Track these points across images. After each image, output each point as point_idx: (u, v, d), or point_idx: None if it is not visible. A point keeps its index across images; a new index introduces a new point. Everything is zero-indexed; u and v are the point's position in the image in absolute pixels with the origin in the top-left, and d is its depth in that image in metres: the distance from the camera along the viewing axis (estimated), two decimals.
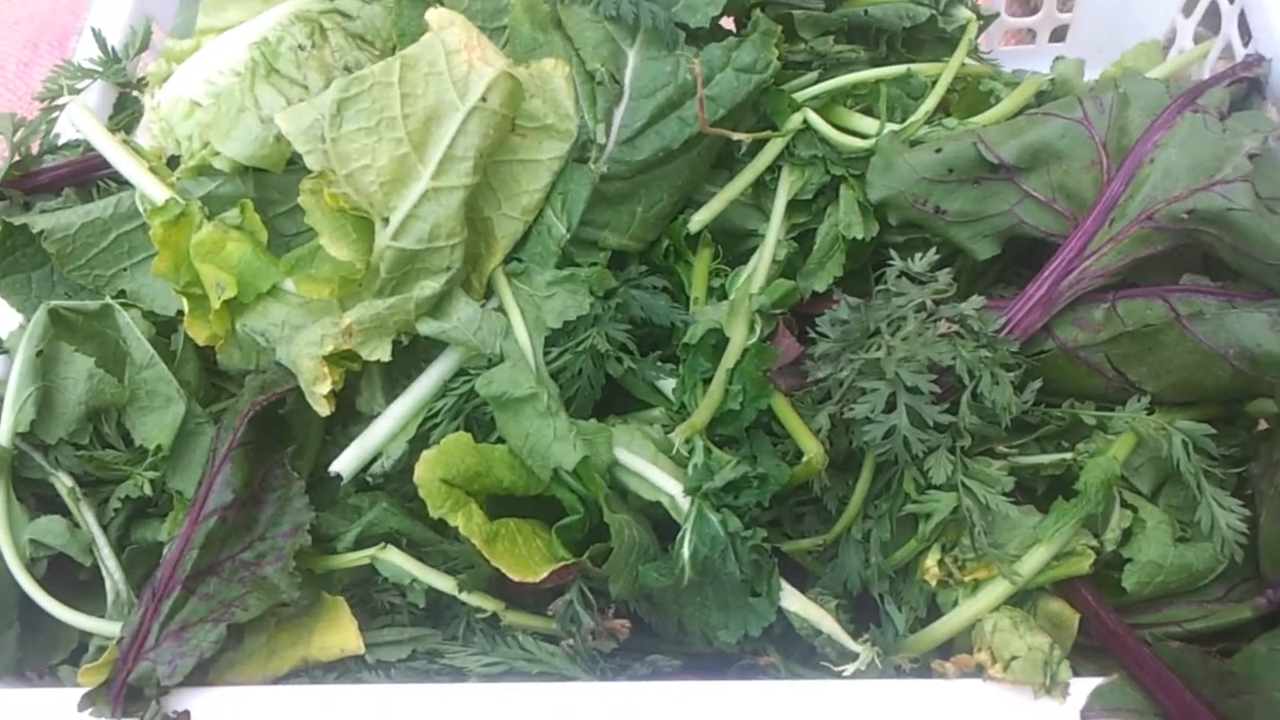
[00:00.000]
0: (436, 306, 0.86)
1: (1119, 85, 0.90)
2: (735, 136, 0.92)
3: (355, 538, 0.88)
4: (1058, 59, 1.08)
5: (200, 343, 0.92)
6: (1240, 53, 1.02)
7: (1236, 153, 0.83)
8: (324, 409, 0.85)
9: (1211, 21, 1.13)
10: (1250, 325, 0.82)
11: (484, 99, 0.83)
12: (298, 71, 0.93)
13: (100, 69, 1.09)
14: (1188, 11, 1.18)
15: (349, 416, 0.93)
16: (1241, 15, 1.04)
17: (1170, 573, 0.81)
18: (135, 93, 1.12)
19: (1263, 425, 0.90)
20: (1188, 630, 0.81)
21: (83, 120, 0.96)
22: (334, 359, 0.85)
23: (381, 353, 0.85)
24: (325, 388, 0.84)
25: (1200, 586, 0.83)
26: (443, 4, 0.93)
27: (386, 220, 0.83)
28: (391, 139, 0.81)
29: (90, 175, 1.02)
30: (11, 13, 1.51)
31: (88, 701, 0.82)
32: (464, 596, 0.85)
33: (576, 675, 0.84)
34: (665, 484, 0.84)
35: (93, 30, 1.11)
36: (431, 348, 0.90)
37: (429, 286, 0.85)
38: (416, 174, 0.82)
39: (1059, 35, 1.31)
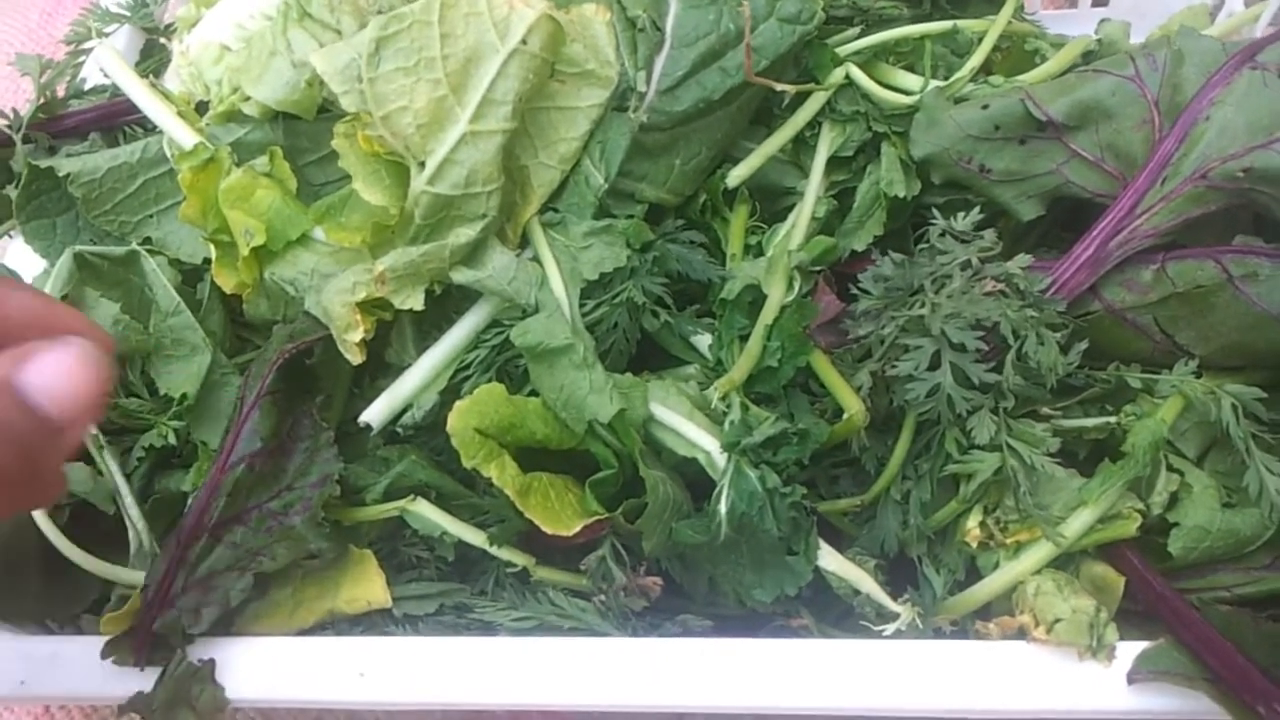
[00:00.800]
0: (471, 255, 0.84)
1: (1173, 42, 0.88)
2: (779, 87, 0.90)
3: (384, 490, 0.87)
4: (1103, 21, 1.06)
5: (228, 291, 0.91)
6: None
7: None
8: (356, 357, 0.83)
9: None
10: None
11: (524, 41, 0.81)
12: (331, 15, 0.91)
13: (128, 14, 1.07)
14: None
15: (378, 368, 0.91)
16: None
17: (1217, 538, 0.79)
18: (162, 39, 1.10)
19: None
20: (1236, 595, 0.80)
21: (111, 63, 0.94)
22: (366, 307, 0.84)
23: (414, 301, 0.84)
24: (357, 335, 0.82)
25: (1247, 553, 0.81)
26: None
27: (423, 164, 0.81)
28: (430, 80, 0.79)
29: (117, 120, 1.00)
30: None
31: (111, 650, 0.81)
32: (494, 551, 0.84)
33: (608, 631, 0.82)
34: (701, 440, 0.83)
35: None
36: (463, 299, 0.89)
37: (464, 234, 0.83)
38: (454, 117, 0.80)
39: (1101, 0, 1.29)
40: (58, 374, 0.52)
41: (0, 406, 0.50)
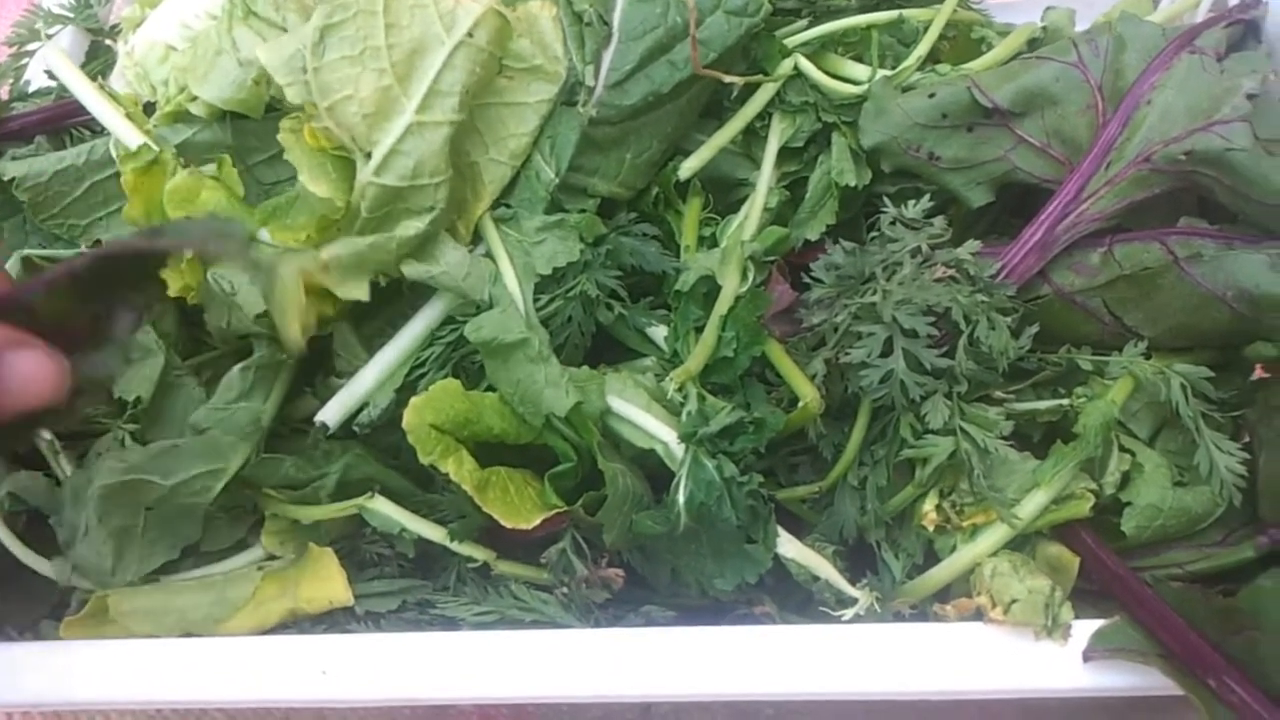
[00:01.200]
0: (421, 249, 0.84)
1: (1114, 28, 0.89)
2: (727, 79, 0.90)
3: (335, 485, 0.86)
4: (1049, 9, 1.07)
5: (172, 293, 0.89)
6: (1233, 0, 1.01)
7: (1235, 93, 0.82)
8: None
9: None
10: (1249, 266, 0.81)
11: (470, 34, 0.81)
12: (276, 13, 0.90)
13: (71, 15, 1.06)
14: None
15: (330, 368, 0.91)
16: None
17: (1169, 516, 0.80)
18: (108, 40, 1.09)
19: (1259, 373, 0.90)
20: (1189, 572, 0.81)
21: (58, 63, 0.93)
22: (309, 297, 0.83)
23: (359, 292, 0.83)
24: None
25: (1199, 531, 0.82)
26: None
27: (369, 156, 0.80)
28: (375, 69, 0.78)
29: (63, 123, 0.99)
30: None
31: None
32: (455, 546, 0.84)
33: (570, 624, 0.83)
34: (659, 431, 0.83)
35: None
36: (417, 297, 0.89)
37: (412, 226, 0.82)
38: (400, 107, 0.80)
39: None
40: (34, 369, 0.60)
41: None
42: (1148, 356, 0.84)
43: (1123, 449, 0.83)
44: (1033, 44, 0.98)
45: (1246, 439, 0.85)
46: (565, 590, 0.83)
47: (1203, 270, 0.82)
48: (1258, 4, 0.93)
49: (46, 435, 0.91)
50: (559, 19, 0.87)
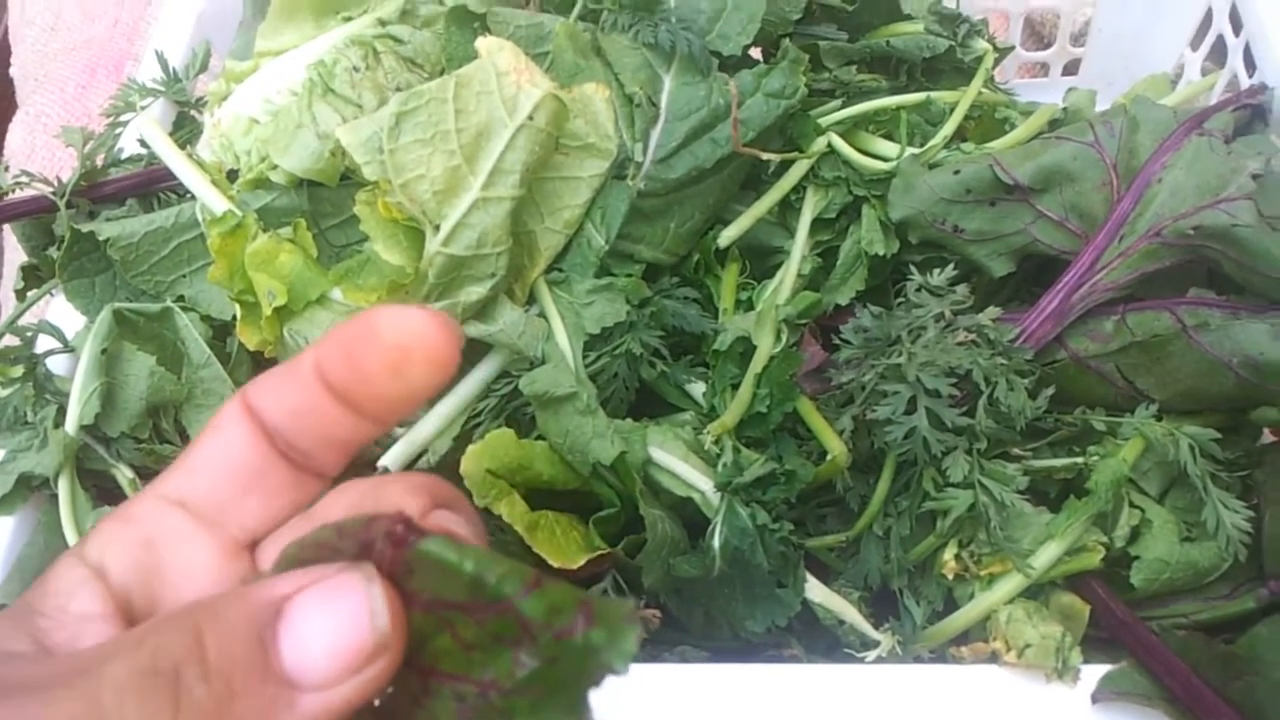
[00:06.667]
0: (482, 311, 0.91)
1: (1129, 110, 0.95)
2: (765, 156, 0.97)
3: None
4: (1070, 90, 1.14)
5: (251, 348, 0.97)
6: (1245, 83, 1.07)
7: (1240, 173, 0.88)
8: None
9: (1218, 56, 1.19)
10: (1254, 335, 0.86)
11: (531, 117, 0.88)
12: (353, 91, 0.99)
13: (162, 89, 1.15)
14: (1195, 45, 1.23)
15: None
16: (1246, 48, 1.09)
17: (1176, 570, 0.85)
18: (193, 112, 1.18)
19: (1268, 436, 0.94)
20: (1194, 622, 0.85)
21: (152, 133, 1.01)
22: None
23: None
24: None
25: (1206, 585, 0.87)
26: (489, 32, 0.99)
27: (437, 228, 0.88)
28: (445, 151, 0.86)
29: (152, 187, 1.07)
30: (70, 38, 1.58)
31: None
32: None
33: None
34: (697, 480, 0.89)
35: (155, 52, 1.17)
36: (474, 353, 0.95)
37: (475, 292, 0.90)
38: (467, 184, 0.87)
39: (1071, 69, 1.37)
40: (321, 636, 0.36)
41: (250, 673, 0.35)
42: (1158, 418, 0.89)
43: (1133, 505, 0.88)
44: (1054, 124, 1.05)
45: (1255, 499, 0.90)
46: None
47: (1210, 338, 0.88)
48: (1264, 90, 0.99)
49: (129, 473, 0.98)
50: (611, 101, 0.95)
